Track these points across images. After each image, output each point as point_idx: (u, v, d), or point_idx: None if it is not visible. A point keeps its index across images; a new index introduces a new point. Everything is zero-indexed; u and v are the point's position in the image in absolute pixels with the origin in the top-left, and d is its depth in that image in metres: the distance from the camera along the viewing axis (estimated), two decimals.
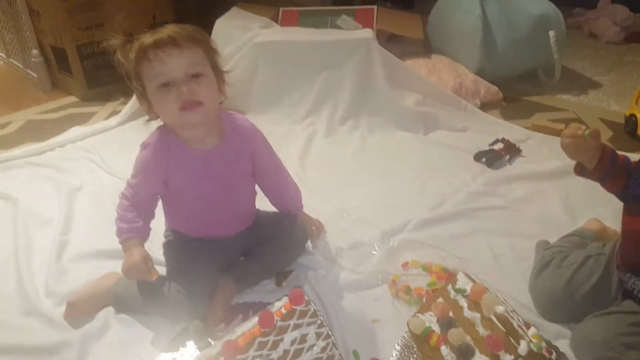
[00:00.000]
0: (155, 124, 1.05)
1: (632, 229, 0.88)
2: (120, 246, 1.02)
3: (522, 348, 0.74)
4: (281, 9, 2.43)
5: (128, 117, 2.11)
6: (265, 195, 1.21)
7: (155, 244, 1.24)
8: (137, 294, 1.07)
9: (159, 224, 1.14)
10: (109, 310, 1.08)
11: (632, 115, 1.88)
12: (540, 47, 2.30)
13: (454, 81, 2.22)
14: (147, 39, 0.92)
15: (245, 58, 2.07)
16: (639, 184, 0.87)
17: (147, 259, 0.98)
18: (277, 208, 1.25)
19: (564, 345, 0.94)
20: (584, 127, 0.91)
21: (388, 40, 2.54)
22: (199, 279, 1.05)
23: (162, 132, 1.03)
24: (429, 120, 1.99)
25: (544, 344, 0.78)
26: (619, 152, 0.97)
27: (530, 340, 0.76)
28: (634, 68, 2.67)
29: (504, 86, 2.29)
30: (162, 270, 1.13)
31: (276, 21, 2.34)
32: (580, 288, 0.97)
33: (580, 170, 0.98)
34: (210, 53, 0.99)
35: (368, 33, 2.08)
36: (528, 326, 0.81)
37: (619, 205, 0.97)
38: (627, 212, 0.90)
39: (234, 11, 2.33)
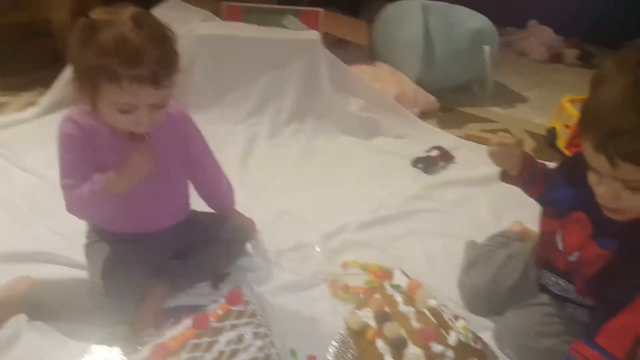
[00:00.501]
0: None
1: (546, 230, 0.96)
2: (30, 249, 0.93)
3: (452, 338, 0.79)
4: (224, 3, 2.37)
5: (47, 109, 1.93)
6: (197, 189, 1.15)
7: (76, 247, 1.15)
8: (55, 300, 1.00)
9: (80, 224, 1.06)
10: (21, 317, 0.98)
11: (553, 128, 2.05)
12: (475, 60, 2.45)
13: (396, 89, 2.31)
14: (123, 57, 0.81)
15: (183, 52, 2.01)
16: (554, 189, 0.94)
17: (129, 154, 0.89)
18: (208, 203, 1.19)
19: (487, 336, 1.01)
20: (509, 136, 0.98)
21: (333, 44, 2.58)
22: (127, 282, 0.98)
23: (84, 109, 0.94)
24: (372, 126, 2.05)
25: (471, 335, 0.83)
26: (540, 161, 1.06)
27: (459, 332, 0.81)
28: (556, 85, 2.90)
29: (441, 96, 2.41)
30: (83, 274, 1.07)
31: (217, 16, 2.28)
32: (504, 284, 1.05)
33: (504, 177, 1.05)
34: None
35: (314, 35, 2.10)
36: (457, 319, 0.86)
37: (538, 209, 1.05)
38: (543, 214, 0.98)
39: (173, 2, 2.22)
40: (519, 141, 0.98)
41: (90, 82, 0.86)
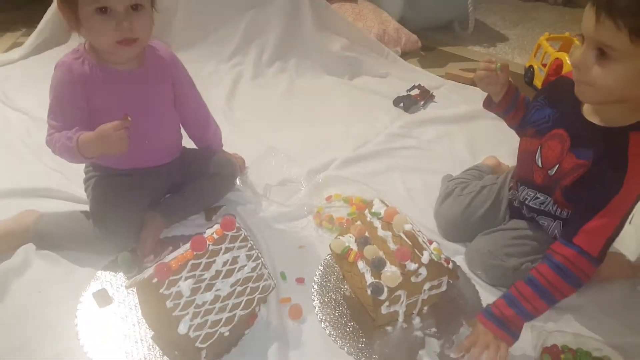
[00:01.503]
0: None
1: (524, 149, 1.04)
2: (31, 186, 0.97)
3: (425, 257, 0.87)
4: None
5: (33, 49, 1.93)
6: (186, 129, 1.21)
7: (75, 183, 1.23)
8: (60, 230, 1.06)
9: (79, 164, 1.11)
10: (29, 247, 1.06)
11: (531, 66, 2.09)
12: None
13: (378, 28, 2.30)
14: None
15: None
16: (536, 110, 1.02)
17: (106, 125, 0.90)
18: (197, 144, 1.25)
19: (460, 260, 1.11)
20: (494, 60, 1.03)
21: None
22: (125, 214, 1.06)
23: (78, 52, 0.99)
24: (354, 66, 2.07)
25: (443, 256, 0.92)
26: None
27: (432, 252, 0.90)
28: (536, 24, 2.91)
29: (423, 36, 2.41)
30: (84, 207, 1.13)
31: None
32: (476, 212, 1.14)
33: (488, 103, 1.12)
34: None
35: None
36: (431, 242, 0.95)
37: (513, 144, 1.12)
38: (523, 135, 1.05)
39: None
40: (505, 65, 1.03)
41: None
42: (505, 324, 0.86)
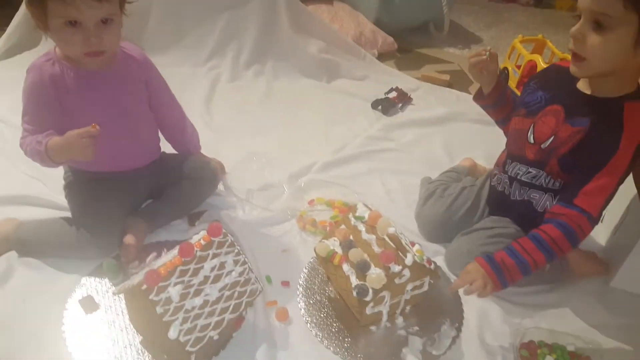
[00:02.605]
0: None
1: (517, 128, 1.09)
2: (10, 193, 1.00)
3: (408, 259, 0.91)
4: None
5: (2, 53, 1.89)
6: (163, 132, 1.21)
7: (54, 190, 1.22)
8: (43, 236, 1.05)
9: (57, 170, 1.10)
10: (11, 254, 1.05)
11: (505, 68, 2.15)
12: (433, 1, 2.47)
13: (355, 30, 2.32)
14: None
15: None
16: (529, 93, 1.08)
17: (73, 132, 0.90)
18: (174, 147, 1.25)
19: (440, 261, 1.15)
20: (487, 48, 1.08)
21: None
22: (106, 218, 1.05)
23: (49, 54, 1.00)
24: (332, 69, 2.09)
25: (425, 257, 0.95)
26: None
27: (415, 254, 0.93)
28: (510, 26, 2.99)
29: (399, 37, 2.45)
30: (64, 213, 1.12)
31: None
32: (457, 212, 1.18)
33: (478, 96, 1.18)
34: None
35: None
36: (413, 244, 0.98)
37: (489, 147, 1.17)
38: (515, 115, 1.11)
39: None
40: (494, 54, 1.08)
41: (38, 1, 0.89)
42: (502, 270, 0.92)
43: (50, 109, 0.98)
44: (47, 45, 1.03)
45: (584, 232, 0.92)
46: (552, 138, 1.00)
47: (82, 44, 0.92)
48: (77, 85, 0.99)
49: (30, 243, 1.05)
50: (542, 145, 1.02)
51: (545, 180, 1.04)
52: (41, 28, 0.94)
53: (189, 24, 2.02)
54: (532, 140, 1.04)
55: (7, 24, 1.92)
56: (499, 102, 1.16)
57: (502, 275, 0.92)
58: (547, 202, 1.06)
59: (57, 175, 1.15)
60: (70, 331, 0.92)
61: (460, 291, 1.07)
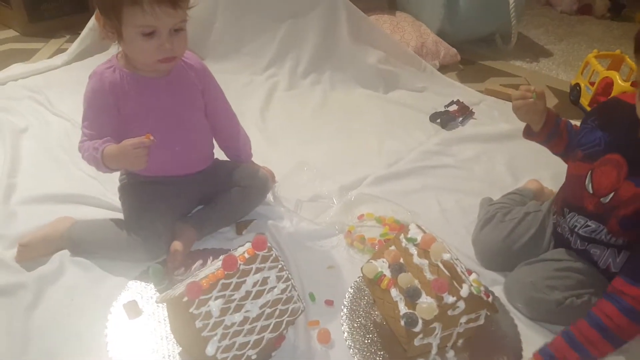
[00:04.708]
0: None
1: (575, 173, 0.98)
2: (68, 192, 1.05)
3: (464, 291, 0.83)
4: None
5: (75, 56, 2.00)
6: (216, 139, 1.22)
7: (110, 190, 1.25)
8: (94, 238, 1.08)
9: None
10: (64, 253, 1.08)
11: (577, 84, 2.01)
12: (499, 12, 2.36)
13: (416, 41, 2.26)
14: None
15: (203, 1, 2.00)
16: (586, 133, 0.96)
17: (127, 142, 0.93)
18: (226, 154, 1.26)
19: (499, 291, 1.06)
20: (532, 88, 0.98)
21: None
22: (156, 223, 1.06)
23: (110, 61, 1.03)
24: (390, 79, 2.03)
25: (482, 288, 0.87)
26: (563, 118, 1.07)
27: (471, 285, 0.85)
28: (582, 39, 2.80)
29: (462, 49, 2.35)
30: (118, 214, 1.14)
31: None
32: (519, 240, 1.08)
33: (527, 132, 1.07)
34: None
35: None
36: (470, 272, 0.90)
37: (557, 168, 1.07)
38: (572, 159, 1.00)
39: None
40: (541, 93, 0.98)
41: (114, 10, 0.92)
42: None
43: (109, 116, 1.02)
44: (116, 50, 1.07)
45: None
46: (612, 194, 0.88)
47: (157, 50, 0.96)
48: (135, 92, 1.02)
49: (82, 242, 1.08)
50: (601, 199, 0.90)
51: (606, 237, 0.93)
52: (110, 38, 0.98)
53: (250, 32, 2.05)
54: (590, 190, 0.92)
55: (82, 28, 2.03)
56: (551, 138, 1.04)
57: None
58: (610, 259, 0.94)
59: (114, 176, 1.17)
60: (112, 335, 0.92)
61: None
